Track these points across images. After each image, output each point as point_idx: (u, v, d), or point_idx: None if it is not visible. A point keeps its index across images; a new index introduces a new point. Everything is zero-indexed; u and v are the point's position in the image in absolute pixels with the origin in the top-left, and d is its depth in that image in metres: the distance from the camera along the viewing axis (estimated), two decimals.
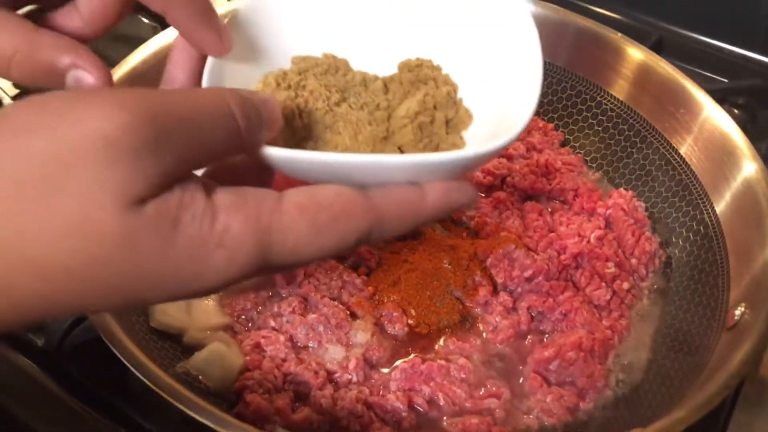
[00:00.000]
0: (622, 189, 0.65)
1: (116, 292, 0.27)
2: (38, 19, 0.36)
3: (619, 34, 0.67)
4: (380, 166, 0.32)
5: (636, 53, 0.65)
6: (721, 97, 0.79)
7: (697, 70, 0.85)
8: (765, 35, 0.84)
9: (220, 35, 0.35)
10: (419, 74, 0.41)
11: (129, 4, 0.37)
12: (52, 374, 0.56)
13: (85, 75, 0.34)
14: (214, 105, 0.29)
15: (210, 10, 0.35)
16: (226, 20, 0.38)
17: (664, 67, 0.63)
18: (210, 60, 0.36)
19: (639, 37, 0.78)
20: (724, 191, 0.56)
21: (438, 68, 0.42)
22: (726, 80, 0.84)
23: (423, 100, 0.39)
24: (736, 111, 0.81)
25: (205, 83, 0.35)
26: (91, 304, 0.28)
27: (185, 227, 0.28)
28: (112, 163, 0.25)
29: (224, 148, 0.30)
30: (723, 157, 0.57)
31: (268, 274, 0.33)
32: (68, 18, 0.36)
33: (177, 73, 0.37)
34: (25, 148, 0.25)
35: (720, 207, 0.57)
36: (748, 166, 0.55)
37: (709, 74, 0.85)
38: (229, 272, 0.29)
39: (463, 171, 0.35)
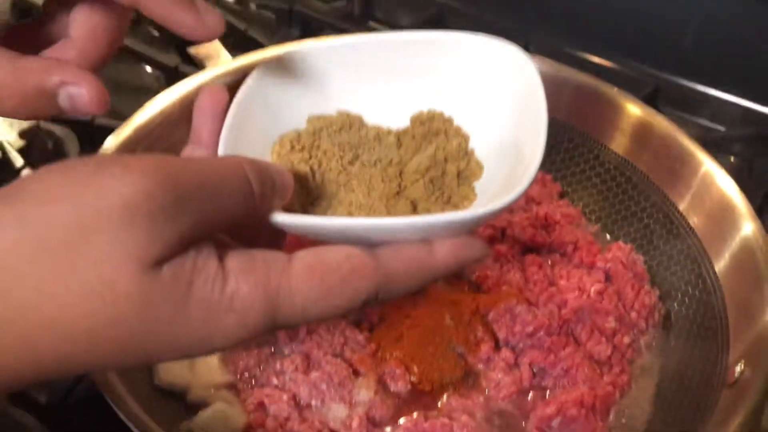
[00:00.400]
0: (620, 242, 0.66)
1: (131, 352, 0.28)
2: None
3: (616, 89, 0.68)
4: (389, 228, 0.34)
5: (634, 109, 0.66)
6: (718, 145, 0.80)
7: (693, 118, 0.86)
8: (760, 85, 0.85)
9: (200, 18, 0.34)
10: (431, 127, 0.43)
11: (122, 32, 0.38)
12: (55, 431, 0.56)
13: (77, 90, 0.34)
14: (231, 173, 0.31)
15: None
16: (242, 85, 0.40)
17: (663, 123, 0.64)
18: (226, 124, 0.37)
19: (635, 86, 0.80)
20: (722, 249, 0.57)
21: (449, 120, 0.43)
22: (722, 128, 0.85)
23: (434, 155, 0.41)
24: (732, 159, 0.82)
25: (221, 149, 0.36)
26: (107, 364, 0.31)
27: (198, 290, 0.29)
28: (131, 227, 0.27)
29: (240, 214, 0.31)
30: (721, 214, 0.57)
31: (274, 331, 0.34)
32: (63, 53, 0.36)
33: (203, 135, 0.37)
34: (49, 215, 0.27)
35: (719, 263, 0.57)
36: (747, 226, 0.55)
37: (705, 123, 0.86)
38: (239, 334, 0.30)
39: (473, 227, 0.36)
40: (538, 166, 0.36)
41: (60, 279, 0.26)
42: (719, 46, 0.88)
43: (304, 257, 0.31)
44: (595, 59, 0.91)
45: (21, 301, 0.26)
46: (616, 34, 0.91)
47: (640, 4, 0.91)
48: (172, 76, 0.82)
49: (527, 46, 0.87)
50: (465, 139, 0.42)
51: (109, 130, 0.61)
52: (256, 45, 0.89)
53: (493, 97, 0.42)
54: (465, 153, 0.42)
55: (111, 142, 0.60)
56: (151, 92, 0.86)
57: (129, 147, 0.61)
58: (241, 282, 0.29)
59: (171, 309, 0.28)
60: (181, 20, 0.33)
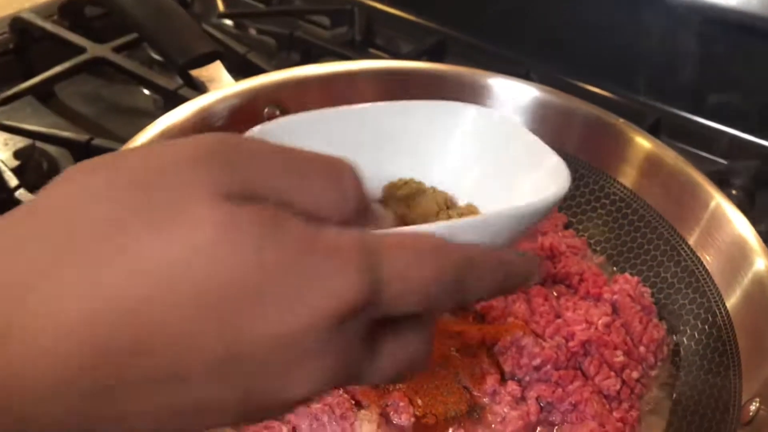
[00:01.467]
0: (627, 274, 0.65)
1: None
2: None
3: (622, 120, 0.67)
4: (464, 228, 0.34)
5: (643, 142, 0.65)
6: (721, 178, 0.80)
7: (695, 150, 0.86)
8: (761, 118, 0.85)
9: None
10: (409, 191, 0.44)
11: None
12: None
13: None
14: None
15: None
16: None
17: (672, 156, 0.63)
18: None
19: (637, 117, 0.79)
20: (733, 283, 0.56)
21: (421, 184, 0.45)
22: (724, 161, 0.85)
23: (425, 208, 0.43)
24: (734, 192, 0.81)
25: None
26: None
27: (290, 228, 0.25)
28: (201, 169, 0.25)
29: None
30: (732, 249, 0.57)
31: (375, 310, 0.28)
32: None
33: None
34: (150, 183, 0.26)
35: (729, 298, 0.56)
36: (759, 261, 0.54)
37: (706, 155, 0.86)
38: (339, 289, 0.25)
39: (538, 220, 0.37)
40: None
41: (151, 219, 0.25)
42: (719, 78, 0.88)
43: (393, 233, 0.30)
44: (597, 90, 0.90)
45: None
46: (617, 65, 0.91)
47: (641, 36, 0.91)
48: (172, 100, 0.81)
49: (528, 75, 0.87)
50: (445, 195, 0.45)
51: (106, 152, 0.60)
52: (256, 69, 0.88)
53: (462, 151, 0.45)
54: (452, 203, 0.44)
55: None
56: (148, 115, 0.85)
57: None
58: (337, 232, 0.27)
59: (278, 249, 0.25)
60: None
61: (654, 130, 0.85)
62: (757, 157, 0.84)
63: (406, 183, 0.44)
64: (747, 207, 0.79)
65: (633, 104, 0.88)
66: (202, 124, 0.64)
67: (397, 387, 0.56)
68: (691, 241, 0.61)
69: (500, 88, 0.69)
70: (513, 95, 0.69)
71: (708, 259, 0.59)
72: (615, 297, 0.63)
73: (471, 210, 0.44)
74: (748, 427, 0.49)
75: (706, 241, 0.59)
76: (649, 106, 0.89)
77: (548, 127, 0.64)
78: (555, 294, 0.65)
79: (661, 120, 0.86)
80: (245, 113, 0.66)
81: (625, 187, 0.66)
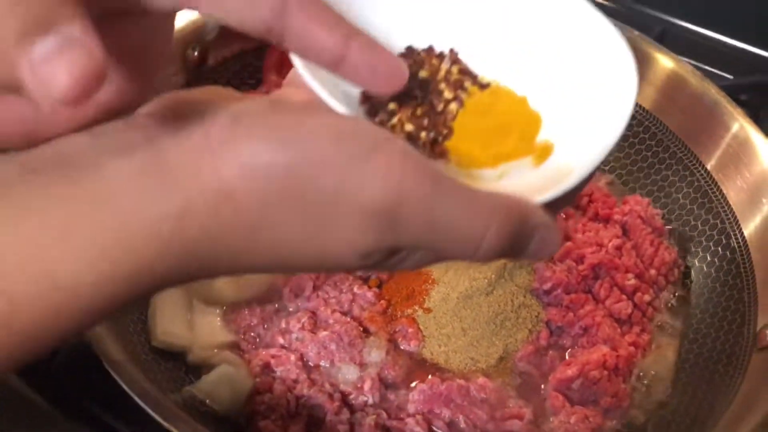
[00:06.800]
0: (638, 195, 0.63)
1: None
2: None
3: (637, 33, 0.64)
4: None
5: (665, 61, 0.62)
6: (729, 93, 0.77)
7: (700, 65, 0.83)
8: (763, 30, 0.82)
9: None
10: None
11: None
12: (43, 393, 0.52)
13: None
14: (470, 229, 0.27)
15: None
16: None
17: (698, 77, 0.61)
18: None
19: (642, 29, 0.76)
20: (753, 209, 0.55)
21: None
22: (731, 76, 0.82)
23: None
24: (740, 108, 0.79)
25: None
26: None
27: (389, 262, 0.29)
28: (361, 228, 0.27)
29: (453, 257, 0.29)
30: (754, 175, 0.55)
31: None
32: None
33: None
34: (317, 180, 0.26)
35: (747, 223, 0.55)
36: None
37: (711, 69, 0.83)
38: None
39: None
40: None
41: (303, 236, 0.27)
42: None
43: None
44: (601, 0, 0.86)
45: (266, 240, 0.27)
46: None
47: None
48: None
49: None
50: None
51: None
52: None
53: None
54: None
55: None
56: None
57: None
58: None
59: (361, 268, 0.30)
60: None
61: (658, 42, 0.82)
62: (764, 71, 0.81)
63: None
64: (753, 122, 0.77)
65: (637, 15, 0.85)
66: (192, 36, 0.59)
67: (406, 313, 0.55)
68: (709, 165, 0.59)
69: None
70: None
71: (725, 182, 0.57)
72: (625, 218, 0.61)
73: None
74: (765, 352, 0.49)
75: (725, 164, 0.58)
76: (653, 18, 0.85)
77: None
78: (563, 215, 0.63)
79: (666, 31, 0.83)
80: None
81: (639, 106, 0.63)
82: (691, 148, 0.60)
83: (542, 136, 0.34)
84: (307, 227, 0.27)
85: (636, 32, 0.64)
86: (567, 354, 0.55)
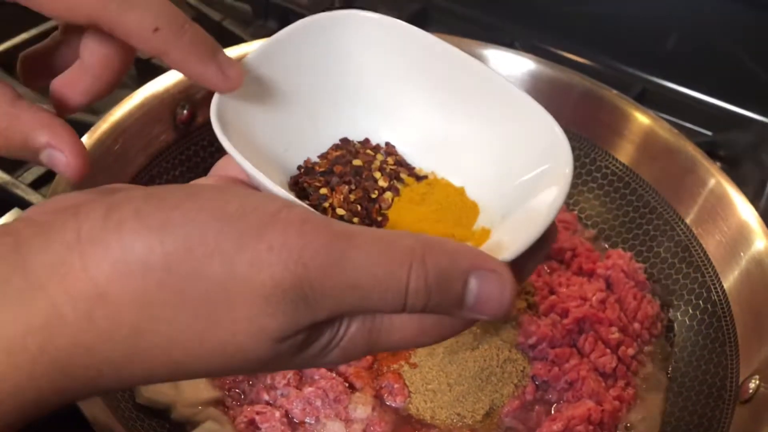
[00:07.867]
0: (620, 249, 0.64)
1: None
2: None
3: (615, 92, 0.66)
4: None
5: (641, 117, 0.64)
6: (708, 150, 0.79)
7: (679, 122, 0.85)
8: (746, 89, 0.84)
9: (222, 71, 0.33)
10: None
11: (132, 59, 0.37)
12: None
13: (60, 155, 0.33)
14: (390, 282, 0.26)
15: (210, 46, 0.33)
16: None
17: (673, 133, 0.62)
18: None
19: (622, 88, 0.78)
20: (731, 262, 0.56)
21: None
22: (710, 132, 0.84)
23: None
24: (718, 164, 0.81)
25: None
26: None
27: (317, 343, 0.29)
28: (274, 312, 0.25)
29: (387, 311, 0.29)
30: (732, 229, 0.56)
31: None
32: (79, 77, 0.36)
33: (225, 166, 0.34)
34: (198, 266, 0.25)
35: (727, 276, 0.56)
36: (759, 243, 0.54)
37: (691, 126, 0.85)
38: (338, 362, 0.30)
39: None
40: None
41: (195, 334, 0.26)
42: (704, 49, 0.87)
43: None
44: (581, 60, 0.89)
45: (151, 344, 0.25)
46: (601, 35, 0.89)
47: (626, 5, 0.89)
48: (145, 69, 0.77)
49: (513, 44, 0.85)
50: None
51: (85, 126, 0.57)
52: (232, 37, 0.84)
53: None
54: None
55: (86, 139, 0.56)
56: (122, 85, 0.81)
57: (106, 144, 0.57)
58: (352, 327, 0.29)
59: (288, 360, 0.28)
60: (202, 73, 0.33)
61: (638, 100, 0.84)
62: (741, 127, 0.83)
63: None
64: (732, 179, 0.78)
65: (618, 74, 0.87)
66: (182, 95, 0.61)
67: (392, 368, 0.55)
68: (688, 219, 0.60)
69: (492, 59, 0.67)
70: (504, 66, 0.67)
71: (704, 236, 0.58)
72: (608, 272, 0.62)
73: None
74: (748, 405, 0.49)
75: (703, 218, 0.59)
76: (633, 76, 0.87)
77: (540, 98, 0.62)
78: (547, 269, 0.64)
79: (646, 90, 0.85)
80: None
81: (618, 162, 0.65)
82: (670, 203, 0.61)
83: (480, 223, 0.35)
84: (198, 323, 0.25)
85: (614, 91, 0.66)
86: (553, 408, 0.55)
